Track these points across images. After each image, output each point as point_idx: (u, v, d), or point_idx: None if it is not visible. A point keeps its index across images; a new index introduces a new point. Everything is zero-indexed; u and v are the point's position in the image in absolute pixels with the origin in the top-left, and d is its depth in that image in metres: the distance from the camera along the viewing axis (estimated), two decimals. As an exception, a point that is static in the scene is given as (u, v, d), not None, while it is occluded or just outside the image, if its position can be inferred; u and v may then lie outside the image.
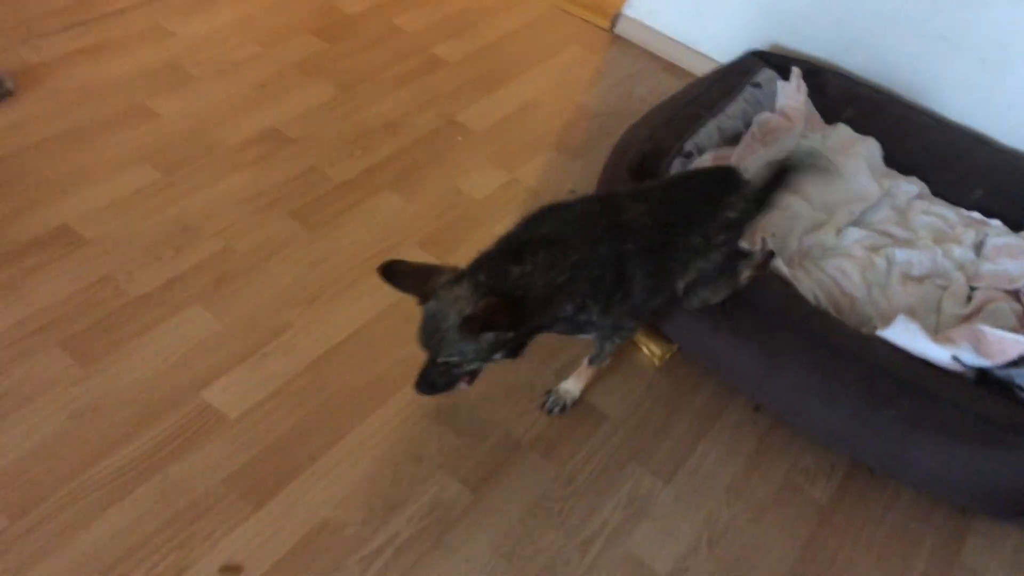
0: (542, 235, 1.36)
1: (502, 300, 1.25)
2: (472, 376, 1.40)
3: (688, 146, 2.01)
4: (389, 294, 1.75)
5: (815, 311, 1.73)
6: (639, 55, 2.71)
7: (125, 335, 1.64)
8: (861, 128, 2.30)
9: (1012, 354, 1.64)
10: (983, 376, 1.69)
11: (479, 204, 2.08)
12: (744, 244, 1.76)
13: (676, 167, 1.95)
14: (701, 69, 2.53)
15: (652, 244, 1.41)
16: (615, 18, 2.76)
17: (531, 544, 1.49)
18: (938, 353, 1.66)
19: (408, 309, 1.62)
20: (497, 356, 1.33)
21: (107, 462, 1.47)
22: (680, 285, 1.53)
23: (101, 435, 1.50)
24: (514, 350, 1.36)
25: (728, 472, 1.68)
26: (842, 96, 2.35)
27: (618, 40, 2.76)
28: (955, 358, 1.65)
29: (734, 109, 2.17)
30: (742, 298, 1.69)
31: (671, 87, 2.44)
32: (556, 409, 1.69)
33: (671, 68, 2.68)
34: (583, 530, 1.53)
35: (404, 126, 2.23)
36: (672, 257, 1.47)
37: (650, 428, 1.71)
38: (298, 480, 1.50)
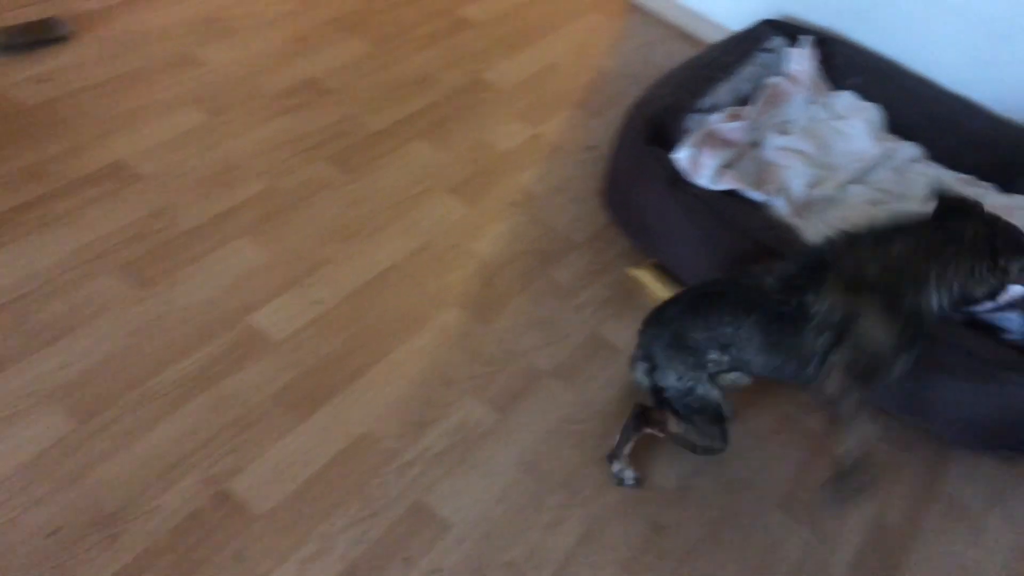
0: None
1: None
2: None
3: (704, 104, 2.13)
4: (419, 236, 1.90)
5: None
6: (655, 24, 2.83)
7: (179, 263, 1.78)
8: (866, 96, 2.42)
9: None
10: (971, 320, 1.82)
11: (504, 155, 2.21)
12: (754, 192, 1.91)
13: (692, 123, 2.08)
14: (715, 38, 2.64)
15: None
16: (633, -13, 2.88)
17: (552, 460, 1.63)
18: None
19: (437, 249, 1.77)
20: None
21: (164, 375, 1.61)
22: None
23: (158, 352, 1.64)
24: None
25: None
26: (849, 65, 2.47)
27: (635, 9, 2.87)
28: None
29: (747, 73, 2.29)
30: (755, 242, 1.83)
31: (686, 53, 2.56)
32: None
33: (686, 37, 2.80)
34: (598, 451, 1.67)
35: (434, 81, 2.36)
36: None
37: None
38: (339, 397, 1.64)
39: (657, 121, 2.04)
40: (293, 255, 1.84)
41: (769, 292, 1.50)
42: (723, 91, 2.20)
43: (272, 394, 1.62)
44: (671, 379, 1.53)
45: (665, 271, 2.00)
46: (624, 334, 1.88)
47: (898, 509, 1.71)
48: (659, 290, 1.98)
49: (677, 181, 1.92)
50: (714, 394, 1.54)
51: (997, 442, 1.77)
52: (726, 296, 1.53)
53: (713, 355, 1.51)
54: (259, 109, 2.13)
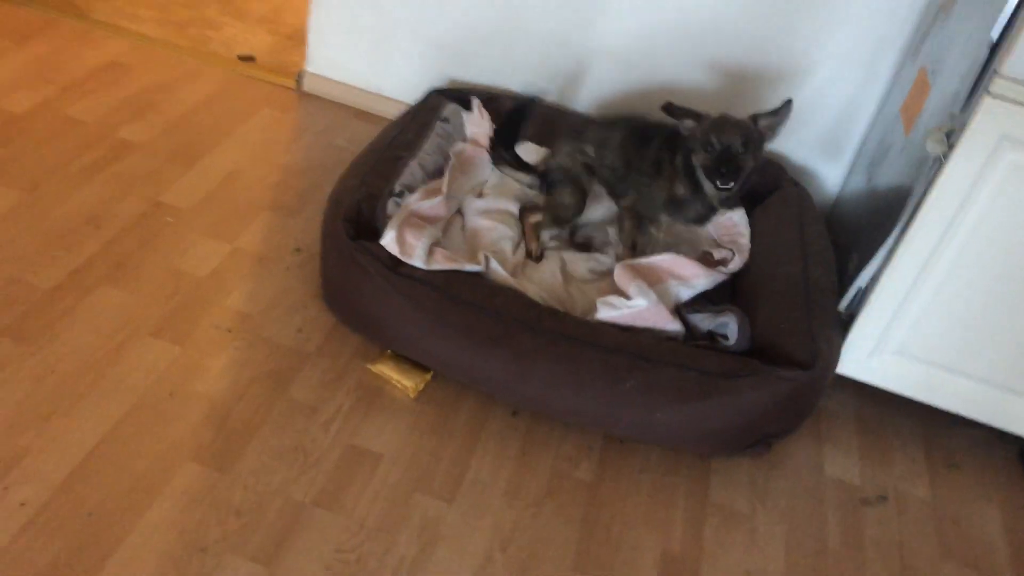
0: None
1: None
2: None
3: (397, 187, 2.12)
4: (128, 394, 1.70)
5: (547, 310, 1.90)
6: (330, 107, 2.79)
7: None
8: (543, 139, 2.53)
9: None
10: (689, 336, 1.95)
11: (205, 281, 2.05)
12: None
13: (391, 208, 2.05)
14: (391, 111, 2.66)
15: None
16: (299, 76, 2.82)
17: (337, 598, 1.51)
18: (637, 304, 1.92)
19: (153, 403, 1.59)
20: None
21: None
22: None
23: None
24: None
25: (502, 477, 1.79)
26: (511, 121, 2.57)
27: (307, 96, 2.82)
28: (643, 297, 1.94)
29: (430, 146, 2.32)
30: (483, 311, 1.83)
31: (367, 132, 2.57)
32: None
33: (363, 115, 2.79)
34: (383, 571, 1.57)
35: (107, 217, 2.14)
36: None
37: (424, 456, 1.79)
38: (77, 608, 1.41)
39: (356, 214, 1.99)
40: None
41: None
42: (412, 169, 2.20)
43: (-8, 632, 1.36)
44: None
45: (403, 357, 1.95)
46: (380, 436, 1.80)
47: (680, 536, 1.77)
48: (403, 378, 1.92)
49: (393, 267, 1.89)
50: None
51: (743, 443, 1.90)
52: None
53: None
54: None
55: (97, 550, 1.49)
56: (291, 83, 2.83)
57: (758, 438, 1.93)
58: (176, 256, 2.10)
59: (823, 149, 2.57)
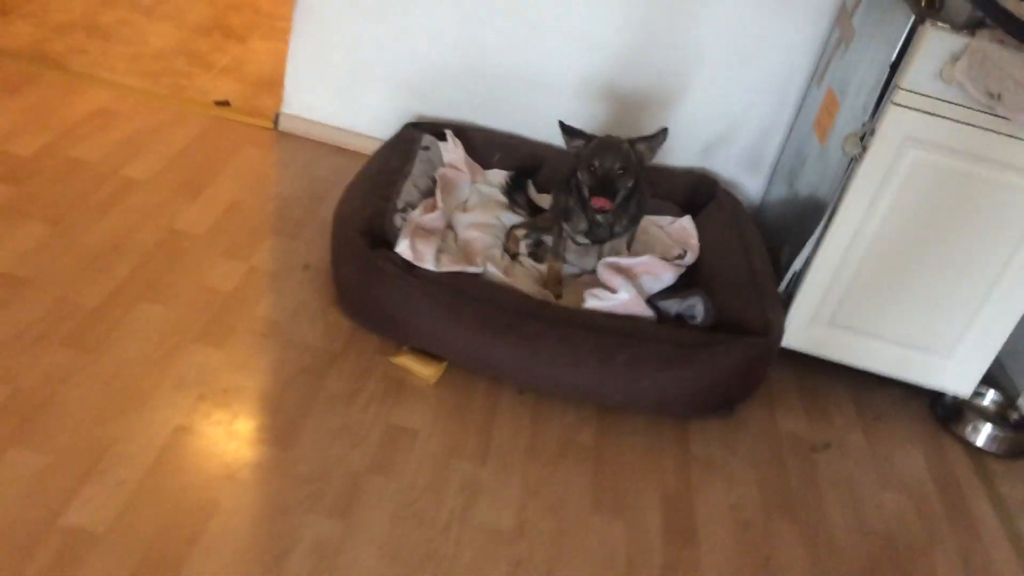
0: None
1: None
2: None
3: (400, 204, 2.41)
4: (191, 388, 1.94)
5: (544, 302, 2.23)
6: (307, 144, 3.06)
7: (-55, 497, 1.61)
8: (508, 166, 2.87)
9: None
10: (660, 320, 2.31)
11: (232, 294, 2.27)
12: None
13: (398, 222, 2.34)
14: (364, 146, 2.95)
15: None
16: (276, 117, 3.08)
17: (406, 545, 1.76)
18: (621, 296, 2.27)
19: (214, 396, 1.83)
20: None
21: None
22: None
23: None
24: None
25: (521, 444, 2.09)
26: (488, 145, 2.91)
27: (284, 135, 3.07)
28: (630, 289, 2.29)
29: (418, 170, 2.62)
30: (492, 304, 2.14)
31: (345, 165, 2.88)
32: None
33: (339, 150, 3.06)
34: (439, 520, 1.83)
35: (129, 244, 2.34)
36: None
37: (452, 429, 2.07)
38: (187, 566, 1.61)
39: (368, 228, 2.27)
40: (73, 447, 1.76)
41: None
42: (408, 188, 2.49)
43: (117, 588, 1.55)
44: None
45: (419, 351, 2.22)
46: (412, 415, 2.07)
47: (673, 481, 2.11)
48: (422, 368, 2.20)
49: (409, 270, 2.17)
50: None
51: (713, 405, 2.26)
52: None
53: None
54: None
55: (197, 515, 1.70)
56: (268, 123, 3.08)
57: (724, 401, 2.30)
58: (201, 274, 2.31)
59: (746, 164, 3.00)
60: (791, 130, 2.90)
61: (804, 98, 2.85)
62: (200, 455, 1.83)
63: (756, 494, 2.14)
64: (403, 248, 2.20)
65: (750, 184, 3.04)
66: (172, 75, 3.24)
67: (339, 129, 3.07)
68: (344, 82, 3.00)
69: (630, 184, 2.28)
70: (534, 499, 1.95)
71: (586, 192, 2.27)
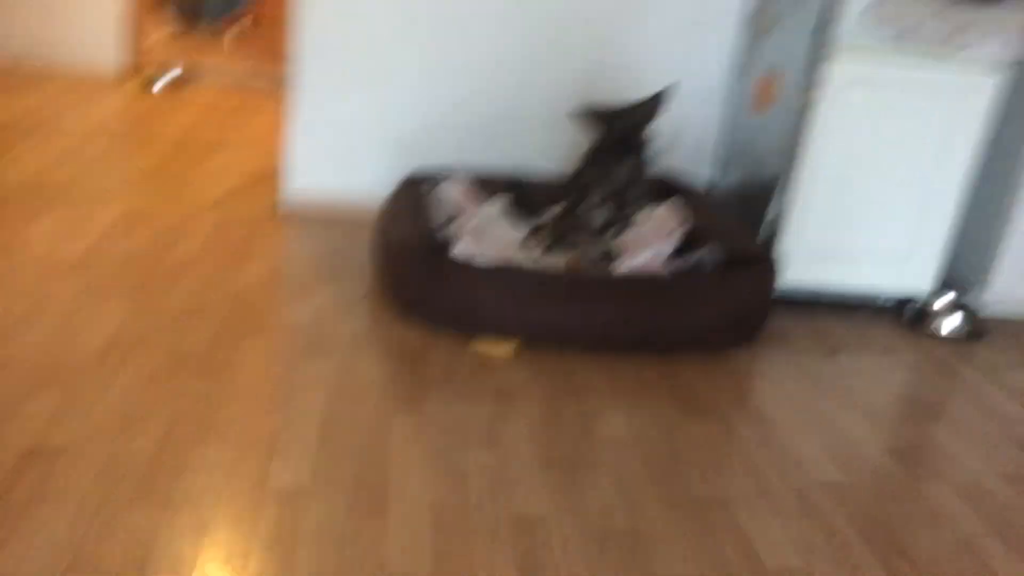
0: None
1: None
2: None
3: (440, 220, 2.77)
4: (321, 387, 2.28)
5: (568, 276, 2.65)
6: (313, 218, 3.36)
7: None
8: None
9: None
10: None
11: (313, 324, 2.55)
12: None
13: (447, 233, 2.68)
14: (371, 203, 3.26)
15: None
16: (278, 202, 3.39)
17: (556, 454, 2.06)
18: (645, 255, 2.68)
19: (345, 390, 2.06)
20: None
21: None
22: None
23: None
24: None
25: (613, 385, 2.42)
26: (481, 182, 3.31)
27: (290, 216, 3.37)
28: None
29: (434, 201, 2.98)
30: (554, 278, 2.51)
31: (353, 227, 3.22)
32: None
33: (343, 218, 3.37)
34: (577, 436, 2.14)
35: (206, 304, 2.58)
36: None
37: (547, 384, 2.40)
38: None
39: (424, 242, 2.61)
40: (243, 444, 1.98)
41: None
42: (438, 211, 2.86)
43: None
44: None
45: (486, 338, 2.54)
46: (511, 381, 2.38)
47: (733, 399, 2.49)
48: (500, 350, 2.51)
49: (472, 265, 2.52)
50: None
51: (747, 331, 2.69)
52: None
53: None
54: (107, 374, 2.18)
55: (381, 469, 1.94)
56: (270, 209, 3.37)
57: (751, 329, 2.71)
58: (280, 314, 2.59)
59: (692, 159, 3.52)
60: (725, 124, 3.45)
61: (730, 95, 3.41)
62: (353, 432, 2.08)
63: (791, 396, 2.54)
64: (464, 246, 2.55)
65: (700, 173, 3.55)
66: (172, 185, 3.51)
67: (341, 200, 3.39)
68: (341, 154, 3.37)
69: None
70: (637, 413, 2.28)
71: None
